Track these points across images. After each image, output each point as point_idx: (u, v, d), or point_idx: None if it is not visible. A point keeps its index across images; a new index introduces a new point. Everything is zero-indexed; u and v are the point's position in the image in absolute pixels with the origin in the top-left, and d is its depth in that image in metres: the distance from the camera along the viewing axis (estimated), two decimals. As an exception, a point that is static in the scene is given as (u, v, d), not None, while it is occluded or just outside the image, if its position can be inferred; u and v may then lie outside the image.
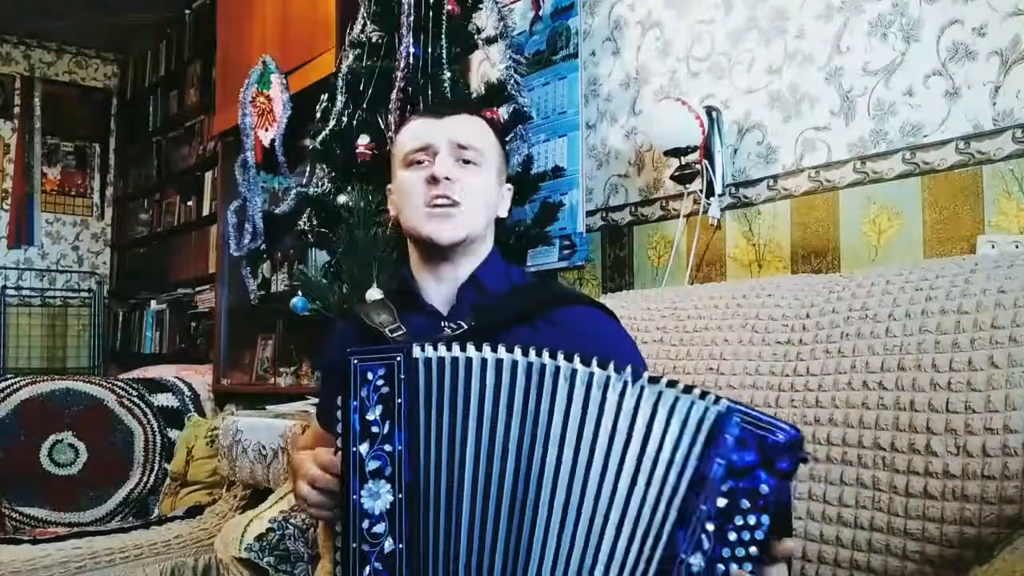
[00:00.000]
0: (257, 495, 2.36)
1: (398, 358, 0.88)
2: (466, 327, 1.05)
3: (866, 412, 1.17)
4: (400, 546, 0.86)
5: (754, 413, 0.84)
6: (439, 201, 1.11)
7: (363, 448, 0.87)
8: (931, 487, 1.07)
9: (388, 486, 0.87)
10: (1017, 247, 1.47)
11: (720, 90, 2.03)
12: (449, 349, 0.89)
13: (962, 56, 1.60)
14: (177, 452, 3.01)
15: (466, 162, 1.14)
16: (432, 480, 0.87)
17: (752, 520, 0.81)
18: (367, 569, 0.86)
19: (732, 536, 0.81)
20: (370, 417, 0.88)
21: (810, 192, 1.85)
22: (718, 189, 1.97)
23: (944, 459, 1.07)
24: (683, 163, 2.02)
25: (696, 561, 0.81)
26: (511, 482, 0.86)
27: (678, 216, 2.09)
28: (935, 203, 1.64)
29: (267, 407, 2.55)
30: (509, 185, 1.24)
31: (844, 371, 1.23)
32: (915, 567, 1.07)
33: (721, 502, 0.81)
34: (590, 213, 2.34)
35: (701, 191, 2.00)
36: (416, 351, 0.89)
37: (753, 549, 0.81)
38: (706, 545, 0.81)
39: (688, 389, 0.85)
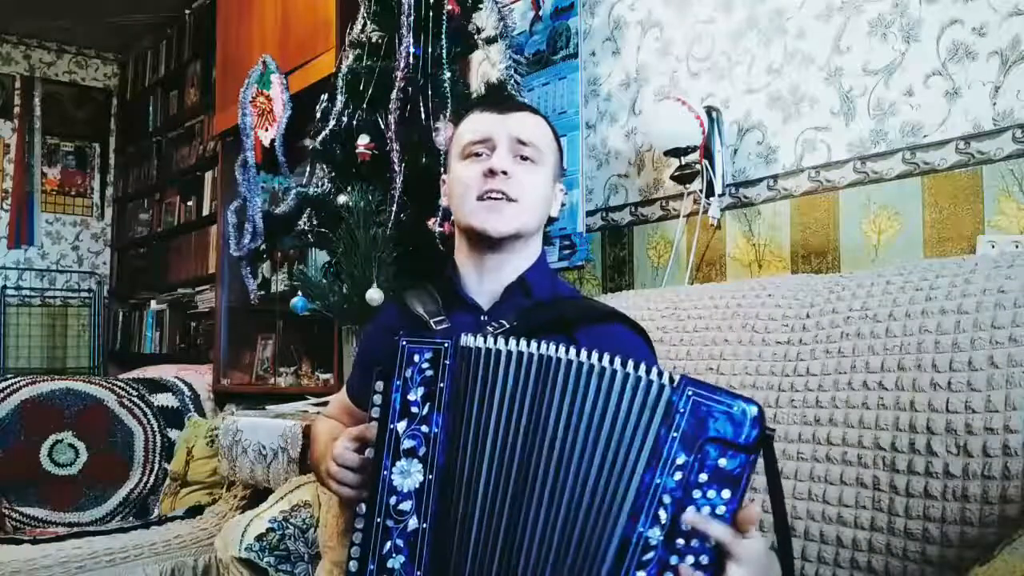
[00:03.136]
0: (257, 495, 2.36)
1: (446, 344, 0.91)
2: (508, 327, 1.06)
3: (866, 412, 1.17)
4: (424, 526, 0.87)
5: (708, 388, 0.84)
6: (493, 195, 1.11)
7: (400, 426, 0.89)
8: (931, 487, 1.07)
9: (420, 466, 0.89)
10: (1017, 247, 1.47)
11: (720, 90, 2.03)
12: (495, 342, 0.91)
13: (962, 56, 1.60)
14: (177, 452, 3.01)
15: (523, 158, 1.14)
16: (459, 465, 0.89)
17: (711, 493, 0.80)
18: (388, 544, 0.87)
19: (691, 510, 0.81)
20: (411, 397, 0.90)
21: (810, 192, 1.84)
22: (718, 189, 1.97)
23: (944, 459, 1.07)
24: (683, 163, 2.02)
25: (654, 535, 0.81)
26: (516, 471, 0.87)
27: (678, 216, 2.09)
28: (935, 203, 1.64)
29: (267, 407, 2.55)
30: (562, 186, 1.25)
31: (844, 371, 1.23)
32: (915, 567, 1.07)
33: (677, 476, 0.81)
34: (590, 213, 2.34)
35: (701, 191, 2.00)
36: (465, 339, 0.91)
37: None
38: (664, 519, 0.81)
39: (637, 366, 0.86)
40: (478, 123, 1.17)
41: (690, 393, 0.83)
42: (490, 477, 0.88)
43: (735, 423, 0.81)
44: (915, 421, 1.11)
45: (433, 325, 1.09)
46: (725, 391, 0.83)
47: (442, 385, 0.90)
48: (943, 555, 1.05)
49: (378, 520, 0.88)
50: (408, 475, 0.88)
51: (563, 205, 1.26)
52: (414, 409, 0.89)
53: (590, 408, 0.87)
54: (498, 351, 0.90)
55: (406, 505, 0.88)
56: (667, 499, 0.81)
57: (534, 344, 0.90)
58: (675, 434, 0.82)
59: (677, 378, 0.84)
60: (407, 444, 0.89)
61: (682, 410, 0.82)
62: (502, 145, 1.13)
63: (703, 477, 0.81)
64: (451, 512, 0.88)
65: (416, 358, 0.91)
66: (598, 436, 0.86)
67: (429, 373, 0.90)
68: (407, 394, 0.90)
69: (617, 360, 0.87)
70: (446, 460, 0.89)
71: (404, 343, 0.91)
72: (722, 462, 0.81)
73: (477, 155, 1.14)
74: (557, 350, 0.89)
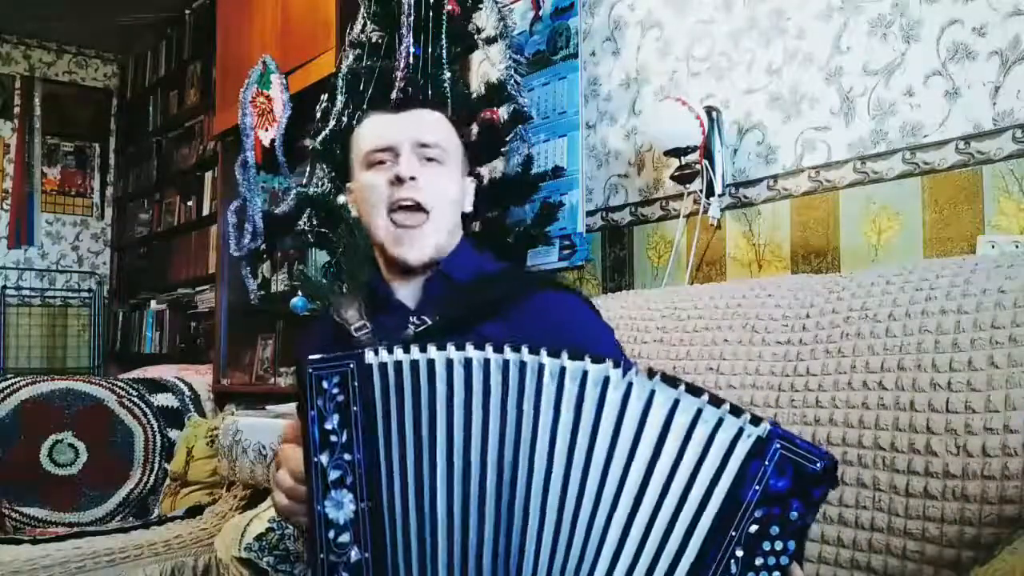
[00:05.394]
0: (257, 495, 2.36)
1: (351, 365, 0.84)
2: (430, 323, 1.03)
3: (866, 412, 1.17)
4: (366, 555, 0.83)
5: (791, 437, 0.81)
6: (405, 203, 1.08)
7: (324, 458, 0.84)
8: (931, 487, 1.07)
9: (350, 495, 0.84)
10: (1017, 247, 1.47)
11: (720, 90, 2.03)
12: (407, 351, 0.84)
13: (962, 56, 1.60)
14: (177, 452, 3.01)
15: (429, 160, 1.11)
16: (398, 488, 0.83)
17: (779, 546, 0.80)
18: None
19: (759, 561, 0.80)
20: (328, 427, 0.84)
21: (810, 192, 1.84)
22: (718, 189, 1.97)
23: (944, 459, 1.07)
24: (683, 163, 2.02)
25: None
26: (494, 489, 0.82)
27: (678, 216, 2.09)
28: (935, 203, 1.64)
29: (267, 407, 2.55)
30: (471, 178, 1.22)
31: (844, 371, 1.23)
32: (915, 567, 1.07)
33: (752, 528, 0.80)
34: (590, 213, 2.34)
35: (701, 191, 2.00)
36: (369, 356, 0.84)
37: (776, 574, 0.80)
38: (734, 570, 0.79)
39: (716, 400, 0.81)
40: (377, 129, 1.14)
41: (778, 445, 0.80)
42: (452, 497, 0.82)
43: (813, 477, 0.80)
44: (915, 421, 1.11)
45: (354, 333, 1.06)
46: (806, 443, 0.81)
47: (355, 409, 0.84)
48: (943, 555, 1.05)
49: (321, 556, 0.83)
50: (341, 506, 0.84)
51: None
52: (333, 438, 0.84)
53: (610, 430, 0.80)
54: (414, 361, 0.83)
55: (345, 537, 0.83)
56: (740, 552, 0.79)
57: (469, 347, 0.83)
58: (757, 487, 0.79)
59: (765, 426, 0.80)
60: (334, 475, 0.84)
61: (768, 462, 0.80)
62: (405, 151, 1.10)
63: (775, 530, 0.80)
64: (398, 537, 0.83)
65: (325, 384, 0.84)
66: (629, 466, 0.80)
67: (341, 398, 0.84)
68: (324, 423, 0.84)
69: (664, 381, 0.80)
70: (376, 486, 0.83)
71: (310, 370, 0.84)
72: (793, 515, 0.80)
73: (381, 163, 1.11)
74: (519, 352, 0.82)
